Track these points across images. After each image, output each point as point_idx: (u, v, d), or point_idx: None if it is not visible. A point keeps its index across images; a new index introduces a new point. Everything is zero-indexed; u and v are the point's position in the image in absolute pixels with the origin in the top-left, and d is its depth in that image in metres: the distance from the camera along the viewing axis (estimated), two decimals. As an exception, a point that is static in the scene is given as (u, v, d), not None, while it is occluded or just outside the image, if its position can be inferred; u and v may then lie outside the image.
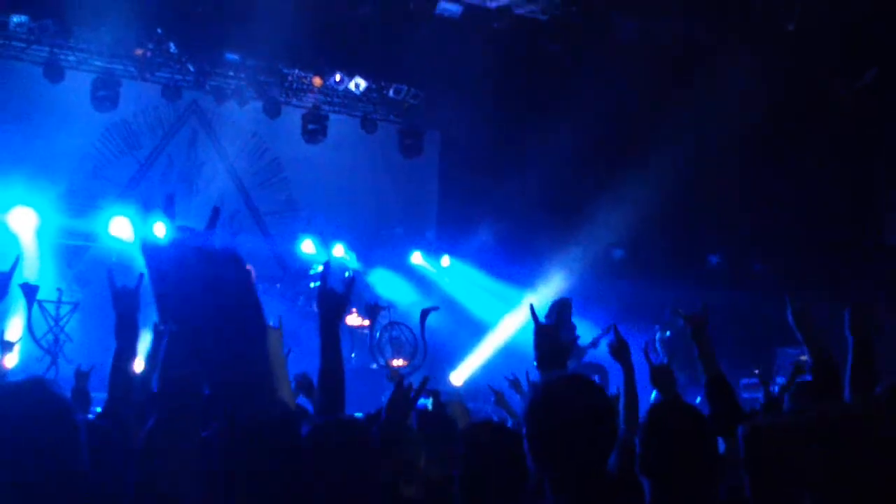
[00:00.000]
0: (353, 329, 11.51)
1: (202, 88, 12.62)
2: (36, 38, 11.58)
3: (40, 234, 10.99)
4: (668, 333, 10.88)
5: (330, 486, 2.50)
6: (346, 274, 10.94)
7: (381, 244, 13.13)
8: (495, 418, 5.33)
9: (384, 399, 3.65)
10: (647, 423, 2.78)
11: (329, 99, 13.48)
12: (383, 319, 11.44)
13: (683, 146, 10.99)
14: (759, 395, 6.48)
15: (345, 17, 11.21)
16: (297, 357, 4.81)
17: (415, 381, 3.55)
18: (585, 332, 9.51)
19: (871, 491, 2.04)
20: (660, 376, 4.38)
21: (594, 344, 9.63)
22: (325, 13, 11.15)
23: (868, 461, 2.06)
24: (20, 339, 8.09)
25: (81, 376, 5.30)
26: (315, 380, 3.28)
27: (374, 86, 13.30)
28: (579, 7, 11.42)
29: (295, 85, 13.21)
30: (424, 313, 9.76)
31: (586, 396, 2.52)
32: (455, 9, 11.22)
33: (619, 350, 4.33)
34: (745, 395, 9.17)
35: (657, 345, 10.72)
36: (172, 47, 12.11)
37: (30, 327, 9.27)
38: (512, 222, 13.21)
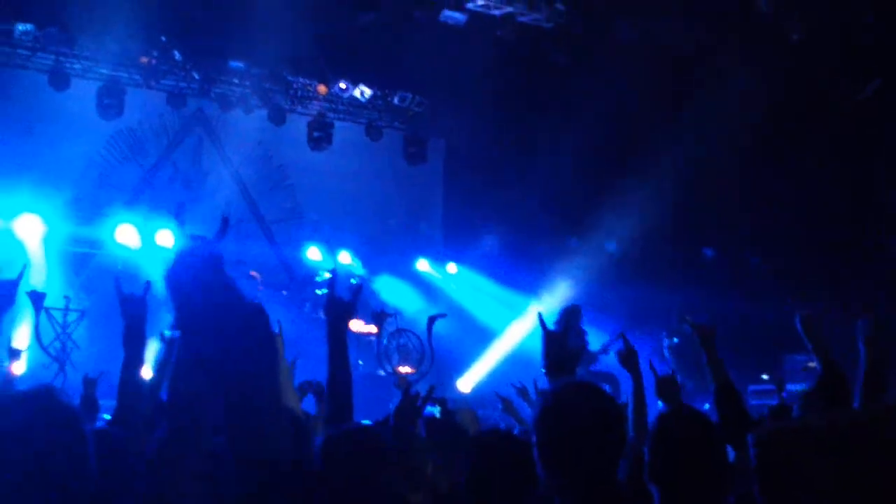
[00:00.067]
0: (360, 336, 11.51)
1: (207, 96, 12.63)
2: (41, 47, 11.60)
3: (47, 241, 11.00)
4: (675, 340, 10.85)
5: (343, 496, 2.49)
6: (353, 281, 10.95)
7: (384, 247, 13.13)
8: (503, 426, 5.32)
9: (391, 406, 3.65)
10: (656, 430, 2.77)
11: (334, 106, 13.49)
12: (390, 326, 11.45)
13: (684, 149, 11.01)
14: (769, 401, 6.46)
15: (349, 24, 11.23)
16: (304, 364, 4.81)
17: (422, 388, 3.55)
18: (594, 338, 9.50)
19: (882, 499, 2.03)
20: (664, 387, 4.36)
21: (605, 350, 9.60)
22: (330, 21, 11.17)
23: (879, 469, 2.04)
24: (28, 346, 8.10)
25: (89, 383, 5.29)
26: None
27: (378, 93, 13.32)
28: (582, 15, 11.42)
29: (300, 92, 13.23)
30: (431, 320, 9.75)
31: (595, 403, 2.51)
32: (459, 17, 11.23)
33: (628, 358, 4.33)
34: (754, 401, 9.13)
35: (665, 351, 10.69)
36: (177, 55, 12.13)
37: (37, 335, 9.26)
38: (517, 228, 13.21)
